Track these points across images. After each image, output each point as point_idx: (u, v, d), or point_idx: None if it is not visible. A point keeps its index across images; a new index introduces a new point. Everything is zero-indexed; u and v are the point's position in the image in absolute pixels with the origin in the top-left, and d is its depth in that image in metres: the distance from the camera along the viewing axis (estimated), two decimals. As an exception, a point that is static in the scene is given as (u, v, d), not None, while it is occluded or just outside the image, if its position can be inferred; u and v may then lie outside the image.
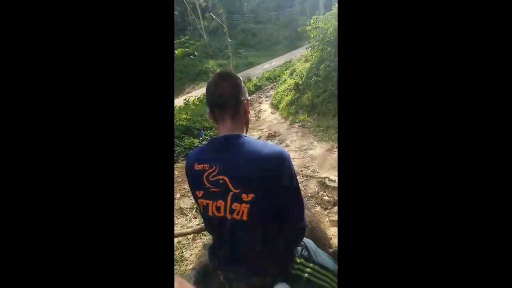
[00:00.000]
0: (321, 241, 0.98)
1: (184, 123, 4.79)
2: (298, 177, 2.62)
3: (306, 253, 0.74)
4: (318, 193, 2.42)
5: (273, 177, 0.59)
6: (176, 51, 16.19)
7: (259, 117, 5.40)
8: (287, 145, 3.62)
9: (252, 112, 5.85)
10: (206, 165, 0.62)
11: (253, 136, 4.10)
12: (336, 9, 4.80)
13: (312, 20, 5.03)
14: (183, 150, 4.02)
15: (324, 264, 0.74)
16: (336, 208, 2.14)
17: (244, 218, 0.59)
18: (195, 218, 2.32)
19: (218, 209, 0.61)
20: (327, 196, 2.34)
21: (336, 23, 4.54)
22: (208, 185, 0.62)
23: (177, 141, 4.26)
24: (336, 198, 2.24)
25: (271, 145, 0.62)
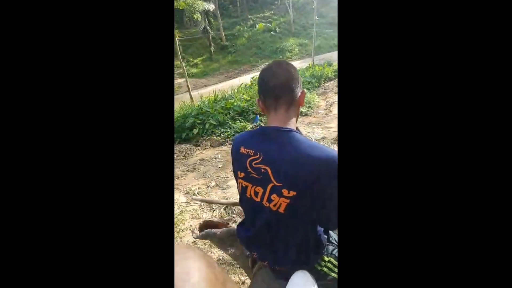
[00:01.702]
0: None
1: (242, 104, 4.30)
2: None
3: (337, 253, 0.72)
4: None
5: (319, 181, 0.56)
6: (257, 26, 15.84)
7: (330, 111, 4.41)
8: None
9: (323, 103, 4.89)
10: (251, 150, 0.63)
11: (317, 135, 3.33)
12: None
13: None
14: (233, 134, 3.56)
15: None
16: None
17: (281, 211, 0.59)
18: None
19: (256, 193, 0.63)
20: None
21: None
22: (250, 169, 0.63)
23: (230, 122, 3.83)
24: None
25: (322, 147, 0.59)
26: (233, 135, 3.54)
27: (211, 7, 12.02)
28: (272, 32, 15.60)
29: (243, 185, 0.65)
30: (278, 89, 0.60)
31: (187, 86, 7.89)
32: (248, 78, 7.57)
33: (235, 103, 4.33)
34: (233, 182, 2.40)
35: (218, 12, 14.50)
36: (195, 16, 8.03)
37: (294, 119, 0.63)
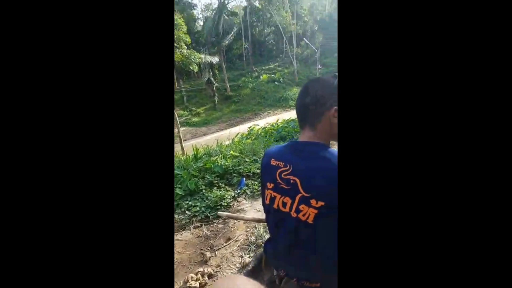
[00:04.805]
0: None
1: (227, 163, 3.35)
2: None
3: None
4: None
5: None
6: (261, 77, 16.19)
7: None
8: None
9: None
10: (281, 162, 0.66)
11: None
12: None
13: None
14: (203, 210, 2.50)
15: None
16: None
17: (310, 221, 0.61)
18: None
19: (284, 204, 0.65)
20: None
21: None
22: (280, 180, 0.66)
23: (204, 191, 2.81)
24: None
25: None
26: (202, 211, 2.48)
27: (215, 59, 12.31)
28: (276, 82, 15.76)
29: (272, 196, 0.67)
30: (302, 107, 0.65)
31: (179, 137, 7.23)
32: (246, 127, 6.84)
33: (218, 162, 3.39)
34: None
35: (224, 65, 14.98)
36: (191, 67, 7.85)
37: (324, 135, 0.64)
